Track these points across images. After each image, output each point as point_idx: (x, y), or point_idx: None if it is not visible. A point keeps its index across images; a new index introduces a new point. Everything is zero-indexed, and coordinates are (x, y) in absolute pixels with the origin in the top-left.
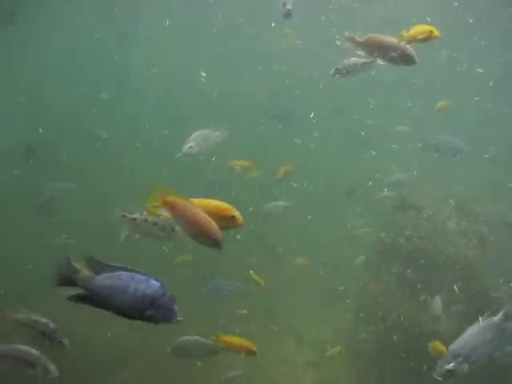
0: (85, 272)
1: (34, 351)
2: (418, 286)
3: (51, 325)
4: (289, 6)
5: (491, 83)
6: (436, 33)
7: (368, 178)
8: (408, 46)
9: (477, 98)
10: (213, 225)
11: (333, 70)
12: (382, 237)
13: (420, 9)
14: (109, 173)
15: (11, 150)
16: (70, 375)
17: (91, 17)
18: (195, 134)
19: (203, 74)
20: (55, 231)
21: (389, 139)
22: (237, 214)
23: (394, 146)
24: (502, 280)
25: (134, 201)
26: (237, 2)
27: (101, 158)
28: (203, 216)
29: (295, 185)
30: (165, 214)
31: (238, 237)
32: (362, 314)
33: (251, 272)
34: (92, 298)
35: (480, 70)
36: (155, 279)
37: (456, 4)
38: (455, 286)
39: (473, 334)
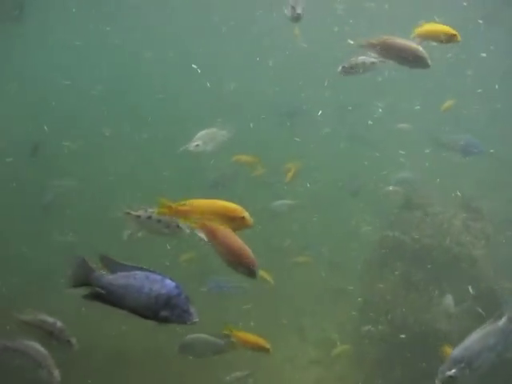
0: (99, 271)
1: (43, 351)
2: (424, 285)
3: (58, 324)
4: (299, 11)
5: (497, 85)
6: (458, 37)
7: (373, 176)
8: (422, 49)
9: (483, 97)
10: (250, 254)
11: (340, 67)
12: (387, 235)
13: (426, 7)
14: (111, 171)
15: (16, 147)
16: (73, 374)
17: (97, 13)
18: (201, 133)
19: (200, 71)
20: (60, 229)
21: (394, 138)
22: (246, 214)
23: (400, 145)
24: (507, 279)
25: (138, 199)
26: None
27: (104, 156)
28: (240, 244)
29: (307, 185)
30: (202, 236)
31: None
32: (367, 313)
33: (261, 270)
34: (107, 297)
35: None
36: (170, 279)
37: (465, 4)
38: (470, 287)
39: (476, 338)
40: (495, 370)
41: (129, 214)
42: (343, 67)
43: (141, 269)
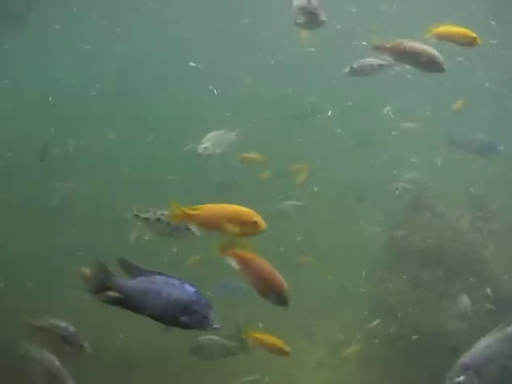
0: (118, 275)
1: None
2: (434, 286)
3: (71, 329)
4: (324, 18)
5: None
6: (479, 40)
7: (381, 176)
8: (438, 54)
9: (494, 96)
10: (282, 283)
11: (348, 68)
12: (396, 235)
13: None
14: (118, 173)
15: (25, 150)
16: (81, 378)
17: (103, 15)
18: (210, 135)
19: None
20: (67, 232)
21: (403, 137)
22: (259, 219)
23: (409, 145)
24: None
25: (146, 201)
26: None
27: (110, 158)
28: (272, 272)
29: (314, 189)
30: (233, 264)
31: None
32: (376, 314)
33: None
34: (126, 302)
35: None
36: (190, 284)
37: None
38: (488, 289)
39: (485, 345)
40: (504, 378)
41: (138, 216)
42: (351, 68)
43: (160, 273)
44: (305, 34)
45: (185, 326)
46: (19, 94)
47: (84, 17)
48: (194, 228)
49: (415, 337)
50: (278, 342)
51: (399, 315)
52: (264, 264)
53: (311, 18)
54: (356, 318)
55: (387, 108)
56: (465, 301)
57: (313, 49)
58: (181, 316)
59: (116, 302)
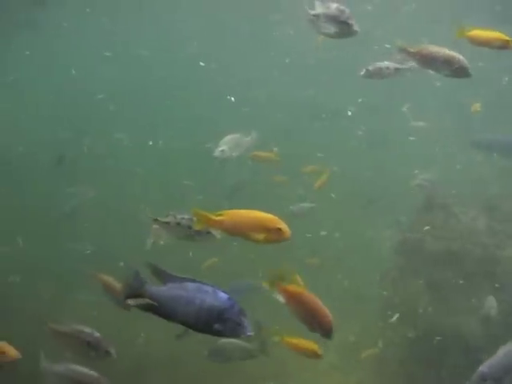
0: (151, 282)
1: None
2: (447, 288)
3: (95, 334)
4: (356, 28)
5: None
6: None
7: (394, 176)
8: (465, 59)
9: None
10: (328, 318)
11: (363, 71)
12: (409, 237)
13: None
14: (129, 178)
15: (37, 155)
16: None
17: (113, 17)
18: (227, 138)
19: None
20: (81, 237)
21: (418, 137)
22: (283, 226)
23: (424, 145)
24: None
25: (161, 204)
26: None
27: (121, 162)
28: (319, 306)
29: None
30: (280, 299)
31: None
32: (389, 317)
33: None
34: (158, 309)
35: None
36: (223, 291)
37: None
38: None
39: (504, 354)
40: None
41: (157, 220)
42: (367, 70)
43: (193, 280)
44: (320, 38)
45: (218, 333)
46: (31, 96)
47: (94, 18)
48: (214, 231)
49: (430, 340)
50: (312, 346)
51: (413, 318)
52: (311, 299)
53: (343, 29)
54: (370, 320)
55: (406, 106)
56: (491, 302)
57: (329, 52)
58: (214, 323)
59: (148, 308)
